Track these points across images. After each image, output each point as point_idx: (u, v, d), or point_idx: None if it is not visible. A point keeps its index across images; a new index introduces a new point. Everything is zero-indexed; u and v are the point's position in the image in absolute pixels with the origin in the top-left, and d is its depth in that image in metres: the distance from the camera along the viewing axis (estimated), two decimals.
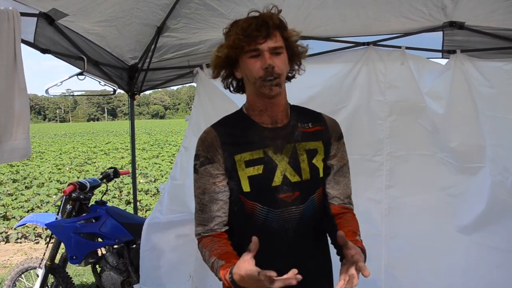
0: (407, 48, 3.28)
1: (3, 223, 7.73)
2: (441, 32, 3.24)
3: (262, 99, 1.59)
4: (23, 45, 2.27)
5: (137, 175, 5.51)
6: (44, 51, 2.83)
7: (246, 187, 1.56)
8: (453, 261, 3.28)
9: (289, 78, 1.70)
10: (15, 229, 7.00)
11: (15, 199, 9.76)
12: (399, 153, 3.42)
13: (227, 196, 1.60)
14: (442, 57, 3.38)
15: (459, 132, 3.21)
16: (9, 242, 6.97)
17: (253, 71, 1.51)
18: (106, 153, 21.65)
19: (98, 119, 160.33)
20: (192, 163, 1.64)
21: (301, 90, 3.30)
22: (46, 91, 3.45)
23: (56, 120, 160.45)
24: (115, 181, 10.47)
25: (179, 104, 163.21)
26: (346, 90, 3.35)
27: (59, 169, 15.38)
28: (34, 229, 7.17)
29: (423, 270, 3.32)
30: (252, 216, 1.57)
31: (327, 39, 3.37)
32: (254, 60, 1.51)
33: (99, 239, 3.64)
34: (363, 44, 3.35)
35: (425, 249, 3.34)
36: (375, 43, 3.33)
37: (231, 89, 1.71)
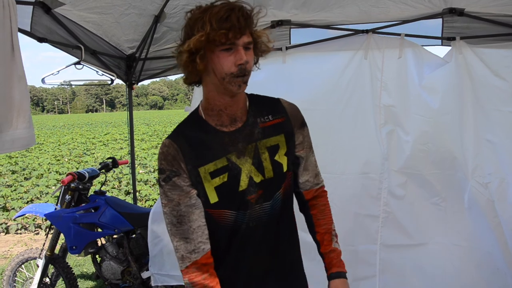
0: (406, 35, 3.24)
1: (2, 214, 7.75)
2: (440, 19, 3.20)
3: (223, 97, 1.49)
4: (20, 35, 2.25)
5: (136, 165, 5.50)
6: (41, 40, 2.81)
7: (213, 198, 1.51)
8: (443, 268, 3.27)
9: None
10: (14, 219, 7.03)
11: (14, 190, 9.78)
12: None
13: (201, 204, 1.53)
14: (442, 44, 3.34)
15: (449, 129, 3.17)
16: (9, 233, 6.99)
17: (225, 66, 1.39)
18: (105, 144, 21.65)
19: (96, 110, 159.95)
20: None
21: (302, 80, 3.29)
22: (43, 80, 3.42)
23: (55, 112, 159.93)
24: (114, 172, 10.43)
25: (177, 94, 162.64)
26: (342, 93, 3.30)
27: (58, 160, 15.40)
28: (33, 219, 7.19)
29: (414, 278, 3.33)
30: (222, 221, 1.54)
31: (327, 26, 3.34)
32: (227, 54, 1.38)
33: (99, 229, 3.64)
34: (362, 31, 3.31)
35: (416, 257, 3.32)
36: (374, 31, 3.29)
37: (186, 81, 1.53)
